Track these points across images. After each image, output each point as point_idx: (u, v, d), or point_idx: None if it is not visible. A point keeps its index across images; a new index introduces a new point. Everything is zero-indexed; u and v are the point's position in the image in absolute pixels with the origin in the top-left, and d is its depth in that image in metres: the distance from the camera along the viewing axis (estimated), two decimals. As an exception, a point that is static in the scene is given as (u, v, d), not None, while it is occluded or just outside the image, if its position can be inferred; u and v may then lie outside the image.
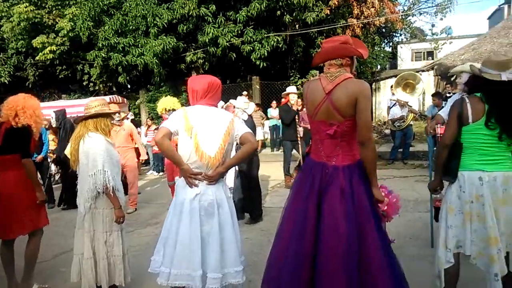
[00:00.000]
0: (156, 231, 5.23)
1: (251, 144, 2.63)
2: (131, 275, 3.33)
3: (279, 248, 2.50)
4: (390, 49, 25.58)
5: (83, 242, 3.14)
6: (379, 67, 22.08)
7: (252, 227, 5.26)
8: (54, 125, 6.89)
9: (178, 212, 2.59)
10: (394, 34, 18.49)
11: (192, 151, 2.56)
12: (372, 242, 2.24)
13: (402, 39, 22.36)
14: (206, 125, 2.60)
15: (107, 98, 10.36)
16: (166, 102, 5.85)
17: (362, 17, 13.18)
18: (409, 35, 21.84)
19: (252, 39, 12.72)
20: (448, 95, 6.53)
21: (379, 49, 19.55)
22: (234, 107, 5.56)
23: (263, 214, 5.61)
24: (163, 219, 6.14)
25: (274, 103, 12.79)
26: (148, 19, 12.99)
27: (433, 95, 8.57)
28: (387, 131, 12.45)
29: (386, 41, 19.21)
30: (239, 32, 12.77)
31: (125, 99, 10.15)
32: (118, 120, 6.28)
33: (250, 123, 5.48)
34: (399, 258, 2.41)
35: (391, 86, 11.24)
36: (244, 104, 5.61)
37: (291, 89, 7.55)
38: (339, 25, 13.31)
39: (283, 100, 7.79)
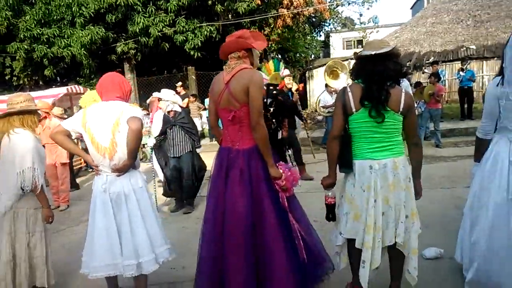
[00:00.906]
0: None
1: (131, 131, 2.63)
2: (56, 277, 3.22)
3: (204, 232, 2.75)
4: (322, 38, 26.55)
5: (2, 245, 2.95)
6: (313, 56, 22.89)
7: (188, 216, 5.37)
8: None
9: (93, 206, 2.76)
10: (324, 23, 19.15)
11: (89, 143, 2.74)
12: (269, 218, 2.50)
13: (331, 29, 23.21)
14: (99, 118, 2.72)
15: (63, 89, 9.63)
16: (86, 99, 5.70)
17: (292, 7, 13.56)
18: (339, 24, 22.74)
19: (184, 29, 12.62)
20: None
21: (311, 38, 20.25)
22: (159, 100, 5.56)
23: (200, 203, 5.71)
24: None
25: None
26: (74, 9, 12.38)
27: None
28: (320, 118, 13.02)
29: (317, 31, 19.85)
30: (171, 21, 12.60)
31: (88, 89, 9.26)
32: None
33: (185, 114, 5.53)
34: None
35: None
36: (172, 97, 5.60)
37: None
38: (270, 15, 13.60)
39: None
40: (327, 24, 20.17)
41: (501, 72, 2.53)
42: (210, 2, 12.52)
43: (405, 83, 4.92)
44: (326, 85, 9.89)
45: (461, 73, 11.17)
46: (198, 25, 12.74)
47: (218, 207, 2.62)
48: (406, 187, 2.50)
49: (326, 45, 28.55)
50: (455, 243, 3.06)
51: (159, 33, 12.44)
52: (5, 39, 13.45)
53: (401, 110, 2.45)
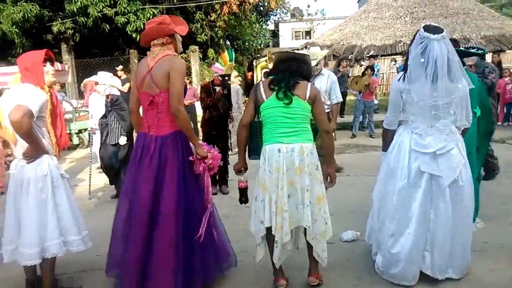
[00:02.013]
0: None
1: (10, 122, 2.49)
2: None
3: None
4: (272, 28, 26.75)
5: None
6: (262, 44, 22.99)
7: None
8: None
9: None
10: (271, 13, 19.27)
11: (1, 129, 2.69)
12: (165, 207, 2.55)
13: (279, 19, 23.43)
14: (9, 103, 2.57)
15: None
16: (15, 80, 5.38)
17: (239, -5, 13.52)
18: (287, 14, 23.01)
19: (126, 11, 12.19)
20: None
21: (259, 27, 20.32)
22: (96, 83, 5.38)
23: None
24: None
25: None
26: (4, -18, 11.53)
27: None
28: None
29: (264, 20, 19.94)
30: (112, 2, 12.10)
31: (65, 66, 8.44)
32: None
33: (123, 100, 5.36)
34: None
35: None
36: (110, 80, 5.43)
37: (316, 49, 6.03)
38: (216, 2, 13.46)
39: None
40: (275, 14, 20.27)
41: (405, 68, 2.73)
42: (154, -16, 12.18)
43: (332, 75, 5.17)
44: (266, 75, 10.05)
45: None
46: (140, 7, 12.35)
47: (128, 192, 2.68)
48: (312, 173, 2.61)
49: (275, 34, 28.79)
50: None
51: (99, 14, 11.91)
52: None
53: (307, 98, 2.61)
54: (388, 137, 2.94)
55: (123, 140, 5.14)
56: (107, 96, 5.23)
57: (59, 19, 12.51)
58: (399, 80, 2.75)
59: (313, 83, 3.29)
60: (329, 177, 2.75)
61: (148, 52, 2.70)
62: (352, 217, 3.99)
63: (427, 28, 2.60)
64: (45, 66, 2.70)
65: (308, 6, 32.29)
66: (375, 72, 10.97)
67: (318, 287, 2.77)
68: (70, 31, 12.49)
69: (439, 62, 2.53)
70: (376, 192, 2.98)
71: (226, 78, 5.46)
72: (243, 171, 2.85)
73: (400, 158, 2.72)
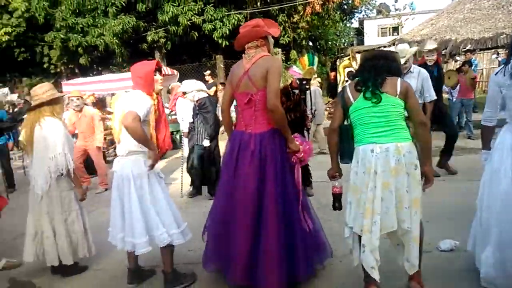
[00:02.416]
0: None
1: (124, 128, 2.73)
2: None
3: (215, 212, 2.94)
4: (356, 25, 25.96)
5: (39, 223, 3.29)
6: (345, 43, 22.43)
7: (210, 202, 5.50)
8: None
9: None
10: (356, 10, 18.69)
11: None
12: (270, 201, 2.64)
13: (364, 16, 22.61)
14: (120, 107, 2.89)
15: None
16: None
17: (322, -6, 13.31)
18: (373, 11, 22.13)
19: (213, 18, 12.68)
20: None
21: (343, 25, 19.85)
22: (184, 94, 5.67)
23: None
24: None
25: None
26: (106, -2, 12.72)
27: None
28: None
29: (348, 18, 19.41)
30: (200, 10, 12.68)
31: (174, 71, 9.23)
32: (78, 106, 6.29)
33: (209, 103, 5.59)
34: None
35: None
36: (194, 85, 5.68)
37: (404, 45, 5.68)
38: (298, 3, 13.42)
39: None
40: (359, 11, 19.62)
41: (508, 62, 2.51)
42: (238, -10, 12.51)
43: (423, 72, 4.93)
44: (349, 74, 9.74)
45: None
46: (226, 13, 12.76)
47: (226, 189, 2.78)
48: (411, 173, 2.44)
49: (359, 32, 27.90)
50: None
51: (188, 22, 12.56)
52: (43, 29, 14.03)
53: (398, 94, 2.47)
54: (486, 134, 2.77)
55: (206, 143, 5.41)
56: (196, 101, 5.49)
57: (153, 29, 13.45)
58: (497, 73, 2.56)
59: None
60: (426, 177, 2.54)
61: (243, 55, 2.83)
62: (450, 224, 3.68)
63: None
64: (155, 75, 2.95)
65: (396, 1, 30.78)
66: (472, 67, 10.06)
67: None
68: (162, 39, 13.36)
69: None
70: (480, 197, 2.72)
71: (304, 82, 5.41)
72: (337, 176, 2.80)
73: (503, 158, 2.51)
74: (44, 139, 3.20)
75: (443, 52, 15.00)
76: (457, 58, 12.58)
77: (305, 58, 6.98)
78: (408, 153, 2.45)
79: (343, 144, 2.72)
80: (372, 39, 27.03)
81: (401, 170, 2.41)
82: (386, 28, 28.76)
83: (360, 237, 2.54)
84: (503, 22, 15.09)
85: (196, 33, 13.15)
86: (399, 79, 2.53)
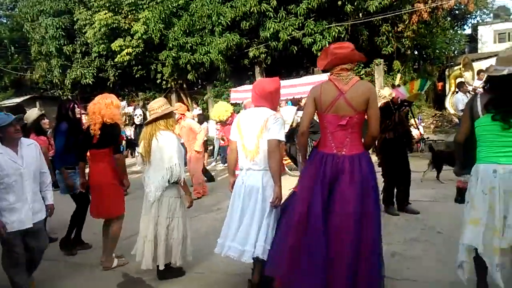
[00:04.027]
0: (217, 217, 5.66)
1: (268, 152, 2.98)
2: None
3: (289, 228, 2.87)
4: (469, 32, 23.85)
5: (148, 226, 3.59)
6: (456, 52, 20.72)
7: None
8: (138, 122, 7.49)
9: (233, 195, 3.22)
10: (469, 16, 17.17)
11: (240, 145, 3.14)
12: (371, 220, 2.68)
13: (479, 21, 20.67)
14: (249, 123, 3.10)
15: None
16: (218, 111, 6.33)
17: (430, 1, 12.51)
18: (489, 15, 20.16)
19: (313, 31, 12.72)
20: None
21: (454, 32, 18.39)
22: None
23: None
24: (225, 206, 6.63)
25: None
26: (213, 18, 13.58)
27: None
28: (457, 120, 11.78)
29: (460, 24, 17.90)
30: (300, 25, 12.83)
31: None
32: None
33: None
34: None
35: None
36: (295, 113, 5.84)
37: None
38: (404, 11, 12.79)
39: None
40: (473, 16, 18.00)
41: None
42: (340, 3, 12.37)
43: None
44: (460, 85, 8.93)
45: None
46: (326, 26, 12.72)
47: (318, 212, 2.70)
48: None
49: (472, 39, 25.57)
50: None
51: (289, 37, 12.79)
52: (158, 48, 15.54)
53: None
54: None
55: None
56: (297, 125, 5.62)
57: (255, 45, 13.99)
58: None
59: None
60: None
61: (334, 77, 2.82)
62: None
63: None
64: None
65: (517, 3, 27.65)
66: None
67: None
68: (263, 55, 13.79)
69: None
70: None
71: (406, 103, 5.29)
72: (463, 172, 2.98)
73: None
74: (160, 151, 3.49)
75: None
76: None
77: (417, 83, 6.61)
78: None
79: (467, 156, 2.77)
80: (488, 45, 24.53)
81: None
82: (505, 33, 25.89)
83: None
84: None
85: (295, 47, 13.33)
86: None
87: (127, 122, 15.03)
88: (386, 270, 2.92)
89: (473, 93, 8.87)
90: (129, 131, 14.10)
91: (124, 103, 16.27)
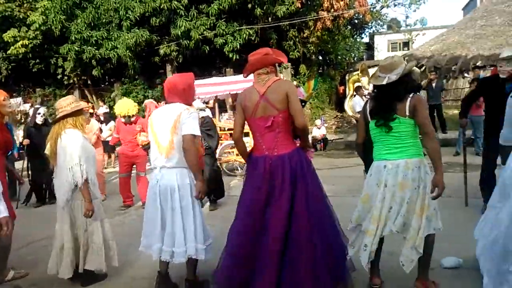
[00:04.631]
0: (124, 220, 5.47)
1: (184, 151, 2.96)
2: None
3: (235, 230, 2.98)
4: (367, 40, 26.04)
5: (62, 234, 3.33)
6: (355, 58, 22.48)
7: (214, 214, 5.54)
8: (39, 122, 6.79)
9: (148, 195, 3.16)
10: (366, 26, 18.81)
11: (153, 142, 3.08)
12: (304, 214, 2.75)
13: (374, 31, 22.71)
14: (161, 120, 3.06)
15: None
16: (122, 107, 6.03)
17: (332, 10, 13.46)
18: (383, 26, 22.23)
19: (224, 32, 12.90)
20: None
21: (353, 40, 19.94)
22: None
23: (228, 203, 5.86)
24: (131, 208, 6.35)
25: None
26: (121, 12, 13.03)
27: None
28: (355, 121, 12.84)
29: (358, 33, 19.52)
30: (212, 25, 12.92)
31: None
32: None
33: (210, 119, 5.79)
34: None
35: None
36: (200, 105, 5.88)
37: None
38: (309, 18, 13.58)
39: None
40: (370, 27, 19.75)
41: None
42: (250, 6, 12.71)
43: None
44: (357, 89, 9.75)
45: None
46: (237, 28, 12.97)
47: (254, 211, 2.82)
48: (417, 187, 2.69)
49: (370, 47, 27.97)
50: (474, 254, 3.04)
51: (200, 36, 12.78)
52: (58, 41, 14.39)
53: (407, 114, 2.70)
54: (504, 153, 2.92)
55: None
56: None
57: (165, 43, 13.71)
58: None
59: None
60: (435, 186, 2.65)
61: (254, 81, 2.94)
62: (455, 241, 3.65)
63: None
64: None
65: (407, 17, 30.90)
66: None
67: None
68: (174, 53, 13.59)
69: None
70: (488, 209, 2.89)
71: (304, 104, 5.61)
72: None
73: None
74: (64, 151, 3.25)
75: (453, 68, 14.98)
76: (466, 74, 12.57)
77: (312, 83, 7.08)
78: (417, 168, 2.70)
79: (367, 157, 3.06)
80: (383, 53, 27.07)
81: (407, 184, 2.67)
82: (397, 43, 28.74)
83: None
84: (514, 39, 15.05)
85: (207, 47, 13.37)
86: (408, 100, 2.71)
87: (22, 121, 13.68)
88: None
89: (368, 97, 9.78)
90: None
91: (19, 99, 14.80)
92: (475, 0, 32.00)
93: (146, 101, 6.83)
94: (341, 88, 18.98)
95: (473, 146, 8.51)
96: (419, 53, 17.02)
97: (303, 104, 5.59)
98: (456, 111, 10.08)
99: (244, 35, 12.87)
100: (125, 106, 6.02)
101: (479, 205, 4.69)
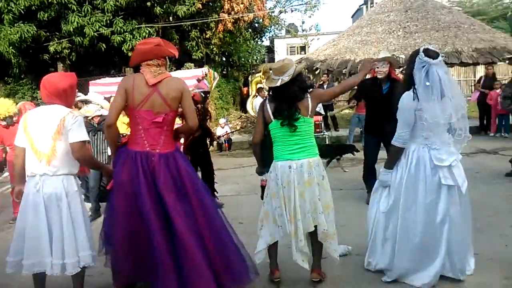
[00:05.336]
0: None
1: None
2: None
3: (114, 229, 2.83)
4: (268, 43, 27.06)
5: None
6: (257, 60, 23.19)
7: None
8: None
9: (24, 205, 2.78)
10: (266, 29, 19.54)
11: (29, 148, 2.76)
12: (182, 213, 2.68)
13: (274, 35, 23.70)
14: (40, 123, 2.76)
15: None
16: (4, 105, 5.36)
17: (233, 13, 13.72)
18: (283, 30, 23.24)
19: (122, 30, 12.32)
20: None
21: (254, 43, 20.54)
22: (84, 102, 5.45)
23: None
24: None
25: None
26: (1, 5, 11.67)
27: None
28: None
29: (259, 36, 20.20)
30: (108, 22, 12.25)
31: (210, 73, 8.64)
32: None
33: None
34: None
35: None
36: (102, 101, 5.49)
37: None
38: (211, 20, 13.66)
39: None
40: (269, 31, 20.55)
41: (409, 87, 2.87)
42: (149, 4, 12.35)
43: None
44: (259, 90, 10.15)
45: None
46: (136, 26, 12.50)
47: (128, 211, 2.70)
48: (320, 183, 2.89)
49: (270, 50, 29.06)
50: (365, 242, 3.31)
51: (95, 33, 12.04)
52: None
53: (310, 114, 2.89)
54: (399, 155, 2.99)
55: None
56: (93, 118, 5.24)
57: (56, 39, 12.64)
58: (411, 99, 2.85)
59: None
60: None
61: (144, 69, 2.71)
62: (344, 231, 4.00)
63: (427, 53, 2.76)
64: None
65: (303, 22, 32.77)
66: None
67: (319, 284, 2.99)
68: (66, 50, 12.58)
69: (443, 83, 2.73)
70: (389, 210, 3.02)
71: (207, 95, 5.59)
72: (264, 171, 3.20)
73: (420, 174, 2.85)
74: None
75: (343, 71, 16.35)
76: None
77: (212, 73, 7.20)
78: (317, 166, 2.89)
79: (264, 156, 3.11)
80: (282, 56, 28.29)
81: (313, 182, 2.85)
82: (295, 47, 30.40)
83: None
84: (394, 45, 16.95)
85: (104, 44, 12.64)
86: (309, 99, 2.90)
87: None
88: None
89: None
90: None
91: None
92: (362, 9, 35.30)
93: (20, 104, 6.08)
94: (245, 89, 19.43)
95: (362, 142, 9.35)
96: (314, 57, 18.38)
97: (207, 96, 5.61)
98: (347, 111, 11.02)
99: (144, 34, 12.44)
100: (1, 107, 5.38)
101: (362, 196, 5.18)
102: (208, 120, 5.60)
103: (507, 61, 15.95)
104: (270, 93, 3.09)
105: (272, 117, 2.90)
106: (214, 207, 2.92)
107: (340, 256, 3.48)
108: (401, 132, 2.93)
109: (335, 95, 3.34)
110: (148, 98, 2.68)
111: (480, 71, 14.23)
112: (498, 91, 9.61)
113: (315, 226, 2.88)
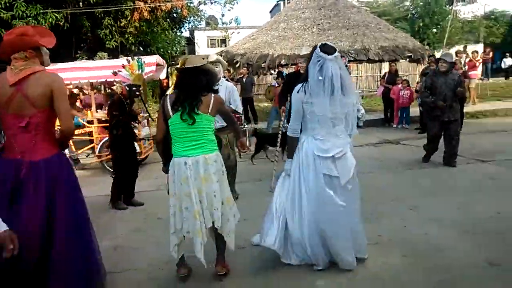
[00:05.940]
0: None
1: None
2: None
3: None
4: (187, 35, 26.59)
5: None
6: (177, 52, 22.69)
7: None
8: None
9: None
10: (186, 20, 19.20)
11: None
12: (60, 229, 2.44)
13: (193, 26, 23.39)
14: None
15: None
16: None
17: (149, 1, 13.26)
18: (203, 22, 23.02)
19: (25, 14, 11.28)
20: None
21: (173, 34, 20.08)
22: None
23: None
24: None
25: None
26: None
27: None
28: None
29: (178, 27, 19.79)
30: (8, 4, 11.12)
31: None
32: None
33: None
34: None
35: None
36: None
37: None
38: (126, 7, 13.06)
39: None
40: (189, 22, 20.23)
41: (306, 80, 2.97)
42: (56, -13, 11.48)
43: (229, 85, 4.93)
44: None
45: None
46: (41, 11, 11.51)
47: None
48: (219, 179, 2.86)
49: (190, 41, 28.62)
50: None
51: (-7, 17, 10.89)
52: None
53: (210, 112, 2.83)
54: (295, 144, 3.13)
55: None
56: None
57: None
58: (299, 91, 2.97)
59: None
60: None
61: (8, 67, 2.39)
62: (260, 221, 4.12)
63: (323, 48, 2.87)
64: None
65: (222, 15, 32.74)
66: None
67: (225, 277, 3.00)
68: (-44, 34, 11.21)
69: (334, 79, 2.85)
70: (283, 197, 3.16)
71: (134, 88, 5.25)
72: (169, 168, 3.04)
73: (309, 163, 2.98)
74: None
75: (262, 65, 16.68)
76: (272, 71, 14.23)
77: (134, 64, 6.80)
78: (215, 162, 2.86)
79: (165, 153, 3.00)
80: (203, 49, 28.09)
81: (209, 178, 2.81)
82: (215, 39, 30.26)
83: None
84: (309, 41, 17.67)
85: (3, 30, 11.44)
86: (212, 96, 2.85)
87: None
88: (108, 264, 2.95)
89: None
90: None
91: None
92: (280, 4, 36.22)
93: None
94: (165, 81, 18.92)
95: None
96: (234, 50, 18.48)
97: (134, 89, 5.21)
98: (266, 104, 11.32)
99: (51, 19, 11.53)
100: None
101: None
102: (137, 123, 5.24)
103: (407, 59, 17.54)
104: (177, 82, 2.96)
105: (171, 111, 2.79)
106: (82, 220, 2.62)
107: (257, 245, 3.62)
108: (292, 123, 3.11)
109: (227, 115, 3.17)
110: (12, 100, 2.34)
111: (385, 67, 15.44)
112: (399, 86, 10.53)
113: (213, 222, 2.86)
